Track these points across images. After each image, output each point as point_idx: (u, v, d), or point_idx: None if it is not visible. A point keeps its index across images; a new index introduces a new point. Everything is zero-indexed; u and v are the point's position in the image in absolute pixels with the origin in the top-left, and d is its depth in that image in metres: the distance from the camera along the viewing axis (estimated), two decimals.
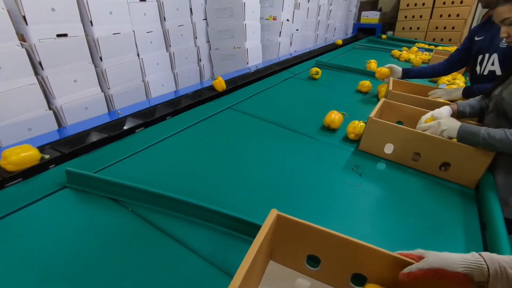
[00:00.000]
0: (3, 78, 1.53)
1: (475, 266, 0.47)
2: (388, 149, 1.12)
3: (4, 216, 0.76)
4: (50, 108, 1.77)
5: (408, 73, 1.80)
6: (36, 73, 1.69)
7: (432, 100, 1.41)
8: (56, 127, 1.79)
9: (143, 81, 2.33)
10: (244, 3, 2.57)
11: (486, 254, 0.49)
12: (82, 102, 1.90)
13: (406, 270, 0.52)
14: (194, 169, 1.01)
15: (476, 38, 1.48)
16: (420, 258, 0.53)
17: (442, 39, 4.34)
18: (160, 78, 2.46)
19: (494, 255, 0.48)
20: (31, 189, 0.86)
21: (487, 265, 0.47)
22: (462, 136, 0.97)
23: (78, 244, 0.70)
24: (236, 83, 1.90)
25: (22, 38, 1.66)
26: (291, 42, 3.48)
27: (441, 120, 1.04)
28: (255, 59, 2.88)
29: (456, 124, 1.00)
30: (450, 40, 4.26)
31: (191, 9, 2.60)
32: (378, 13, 4.76)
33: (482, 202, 0.92)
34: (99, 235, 0.73)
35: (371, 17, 4.79)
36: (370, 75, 2.21)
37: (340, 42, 3.52)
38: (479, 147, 0.93)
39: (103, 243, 0.71)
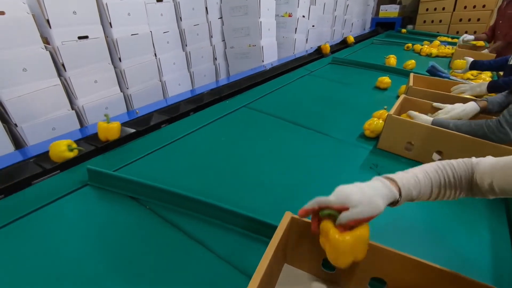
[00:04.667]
0: (29, 80, 1.60)
1: (391, 196, 0.53)
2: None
3: (29, 213, 0.80)
4: (72, 108, 1.83)
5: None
6: (59, 75, 1.75)
7: (456, 96, 1.35)
8: (78, 126, 1.85)
9: (160, 80, 2.37)
10: (259, 0, 2.55)
11: (399, 180, 0.54)
12: (102, 102, 1.96)
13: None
14: (210, 168, 1.02)
15: None
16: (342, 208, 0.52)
17: (466, 32, 4.13)
18: (176, 78, 2.50)
19: (404, 180, 0.54)
20: (55, 187, 0.89)
21: (400, 193, 0.53)
22: None
23: (98, 240, 0.73)
24: (252, 81, 1.90)
25: (46, 41, 1.72)
26: (307, 39, 3.43)
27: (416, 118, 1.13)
28: (270, 57, 2.87)
29: (428, 119, 1.10)
30: (475, 32, 4.05)
31: (206, 8, 2.61)
32: (398, 6, 4.61)
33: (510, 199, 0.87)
34: (118, 232, 0.75)
35: (390, 11, 4.64)
36: (389, 70, 2.14)
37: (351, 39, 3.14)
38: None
39: (122, 241, 0.73)
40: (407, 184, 0.54)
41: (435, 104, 1.24)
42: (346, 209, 0.50)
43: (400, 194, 0.53)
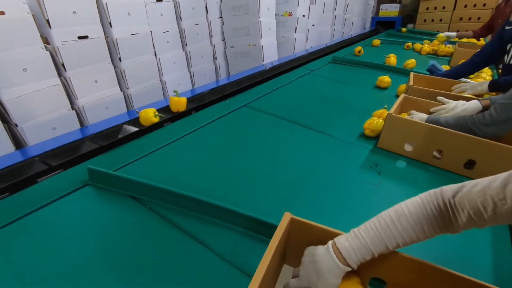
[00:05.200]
0: (29, 80, 1.60)
1: (342, 271, 0.52)
2: (408, 147, 1.09)
3: (30, 212, 0.80)
4: (72, 108, 1.83)
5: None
6: (60, 75, 1.75)
7: (456, 95, 1.35)
8: (78, 126, 1.85)
9: (161, 80, 2.37)
10: (259, 0, 2.55)
11: (346, 254, 0.51)
12: (102, 101, 1.96)
13: None
14: (211, 168, 1.02)
15: (507, 27, 1.42)
16: None
17: (466, 31, 4.13)
18: (177, 77, 2.50)
19: (351, 251, 0.51)
20: (55, 186, 0.90)
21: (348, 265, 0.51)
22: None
23: (98, 240, 0.73)
24: (252, 81, 1.90)
25: (46, 41, 1.73)
26: (307, 38, 3.43)
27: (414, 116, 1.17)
28: (270, 56, 2.87)
29: (424, 116, 1.14)
30: (458, 30, 4.06)
31: (206, 7, 2.61)
32: (398, 5, 4.60)
33: None
34: (119, 232, 0.75)
35: (390, 10, 4.64)
36: (389, 70, 2.14)
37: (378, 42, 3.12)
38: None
39: (122, 240, 0.73)
40: (354, 256, 0.51)
41: (439, 98, 1.26)
42: None
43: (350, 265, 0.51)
